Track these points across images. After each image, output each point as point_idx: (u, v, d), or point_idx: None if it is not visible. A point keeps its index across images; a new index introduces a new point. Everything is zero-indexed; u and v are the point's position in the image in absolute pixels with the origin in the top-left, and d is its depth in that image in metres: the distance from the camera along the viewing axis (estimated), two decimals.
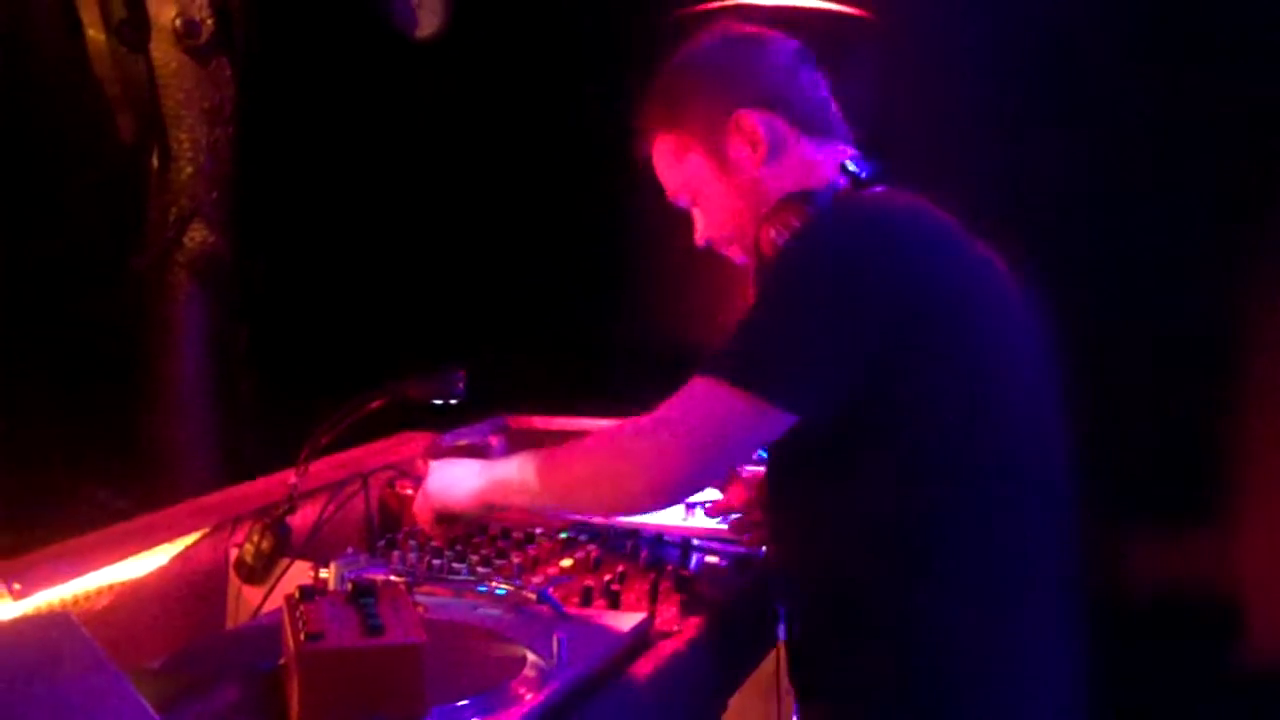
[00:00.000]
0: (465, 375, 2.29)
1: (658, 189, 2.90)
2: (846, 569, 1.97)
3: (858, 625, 1.97)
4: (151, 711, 1.35)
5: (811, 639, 2.07)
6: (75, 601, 1.97)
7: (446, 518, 2.17)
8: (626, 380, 3.36)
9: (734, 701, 2.43)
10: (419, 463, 2.66)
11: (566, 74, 3.75)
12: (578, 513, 2.31)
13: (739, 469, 2.40)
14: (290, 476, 2.20)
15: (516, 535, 2.37)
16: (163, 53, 3.76)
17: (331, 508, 2.26)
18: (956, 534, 1.93)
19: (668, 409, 1.95)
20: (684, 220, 3.33)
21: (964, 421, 1.91)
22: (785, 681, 2.28)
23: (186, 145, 3.82)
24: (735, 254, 2.21)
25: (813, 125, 2.14)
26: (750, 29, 2.23)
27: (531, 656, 1.79)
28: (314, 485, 2.32)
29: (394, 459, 2.63)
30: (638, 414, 3.03)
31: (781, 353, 1.91)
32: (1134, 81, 3.29)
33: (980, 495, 1.93)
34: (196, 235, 3.83)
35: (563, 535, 2.38)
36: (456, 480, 2.15)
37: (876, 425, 1.90)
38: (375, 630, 1.58)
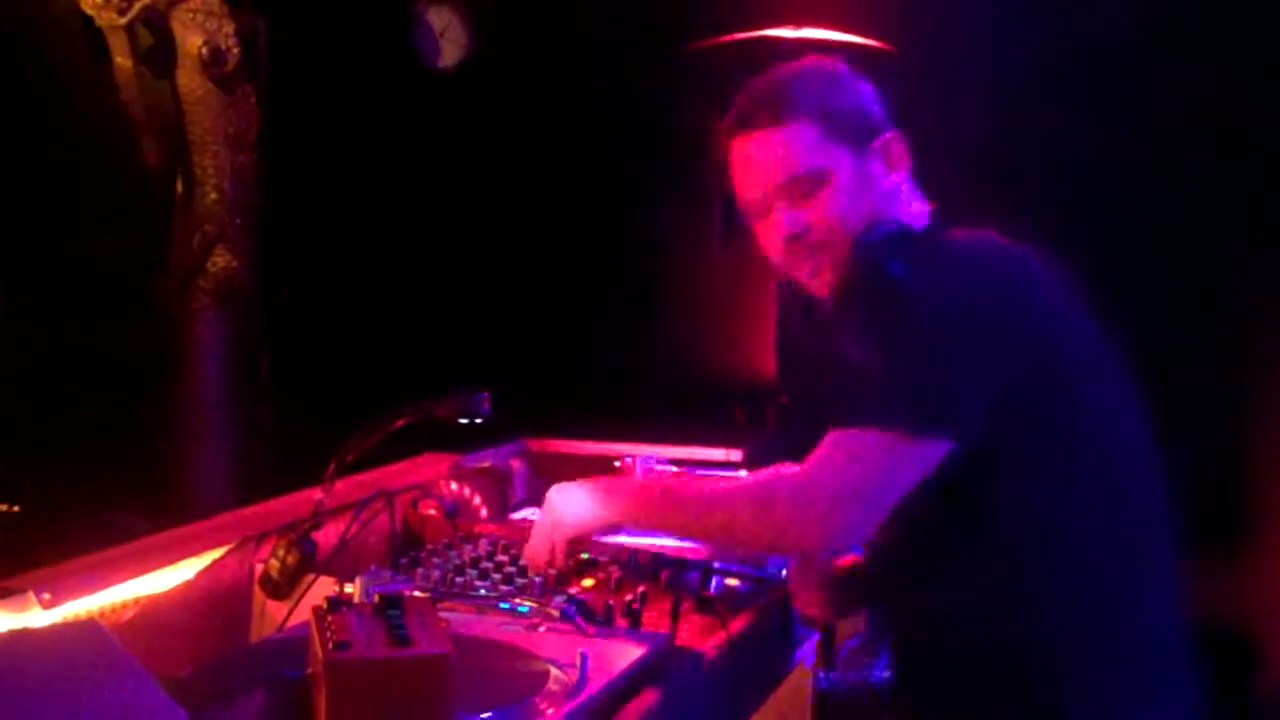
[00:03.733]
0: (490, 396, 2.31)
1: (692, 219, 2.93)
2: (967, 605, 2.03)
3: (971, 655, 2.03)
4: (184, 714, 1.36)
5: (924, 674, 2.13)
6: (102, 613, 1.98)
7: (574, 547, 2.18)
8: (648, 405, 3.39)
9: None
10: (442, 483, 2.69)
11: (591, 103, 3.77)
12: (728, 548, 2.31)
13: None
14: (315, 493, 2.22)
15: None
16: (188, 80, 3.80)
17: (356, 525, 2.27)
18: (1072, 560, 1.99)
19: (822, 461, 1.96)
20: (707, 247, 3.36)
21: (1082, 449, 2.00)
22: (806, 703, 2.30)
23: (211, 171, 3.85)
24: (816, 261, 2.18)
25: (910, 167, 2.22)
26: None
27: (555, 671, 1.81)
28: (337, 504, 2.33)
29: (417, 480, 2.64)
30: (656, 438, 3.07)
31: (935, 382, 1.93)
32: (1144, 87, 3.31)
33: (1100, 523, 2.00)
34: (220, 261, 3.86)
35: (583, 556, 2.39)
36: (586, 502, 2.14)
37: (1002, 456, 1.95)
38: (402, 641, 1.59)
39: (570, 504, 2.15)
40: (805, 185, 2.15)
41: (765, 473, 2.05)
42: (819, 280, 2.18)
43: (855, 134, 2.16)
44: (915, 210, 2.19)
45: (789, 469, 2.03)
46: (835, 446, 1.94)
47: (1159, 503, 2.09)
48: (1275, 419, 3.44)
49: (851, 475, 1.91)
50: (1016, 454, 1.96)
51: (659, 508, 2.10)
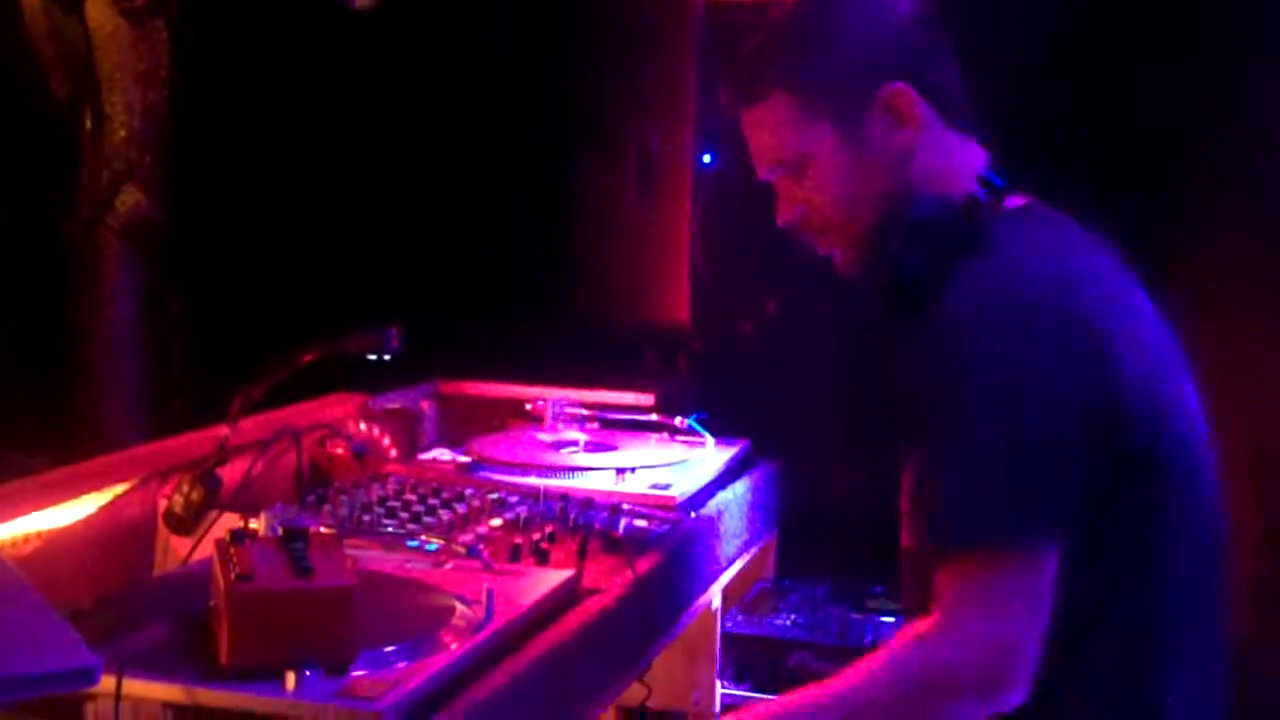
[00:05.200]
0: (399, 331, 2.30)
1: (607, 165, 2.91)
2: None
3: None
4: (83, 642, 1.35)
5: None
6: (1, 547, 1.96)
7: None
8: (560, 348, 3.39)
9: (658, 662, 2.46)
10: (350, 423, 2.68)
11: (509, 40, 3.74)
12: None
13: None
14: (222, 430, 2.20)
15: (446, 494, 2.38)
16: (98, 14, 3.74)
17: (262, 462, 2.26)
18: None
19: (945, 609, 1.75)
20: (622, 194, 3.37)
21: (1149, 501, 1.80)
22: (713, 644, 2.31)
23: (120, 108, 3.80)
24: (827, 243, 1.98)
25: (952, 112, 1.90)
26: None
27: (460, 607, 1.81)
28: (244, 442, 2.31)
29: (325, 419, 2.63)
30: (568, 382, 3.07)
31: (1014, 489, 1.72)
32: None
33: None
34: (129, 199, 3.82)
35: (492, 496, 2.39)
36: None
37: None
38: (306, 573, 1.59)
39: None
40: (790, 169, 1.93)
41: (893, 663, 1.78)
42: (839, 261, 1.98)
43: (841, 97, 1.87)
44: (955, 166, 1.91)
45: (911, 642, 1.77)
46: (951, 581, 1.73)
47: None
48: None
49: (982, 614, 1.72)
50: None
51: None
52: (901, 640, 1.81)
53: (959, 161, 1.90)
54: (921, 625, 1.79)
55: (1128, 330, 1.82)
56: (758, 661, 2.74)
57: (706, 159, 3.41)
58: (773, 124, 1.92)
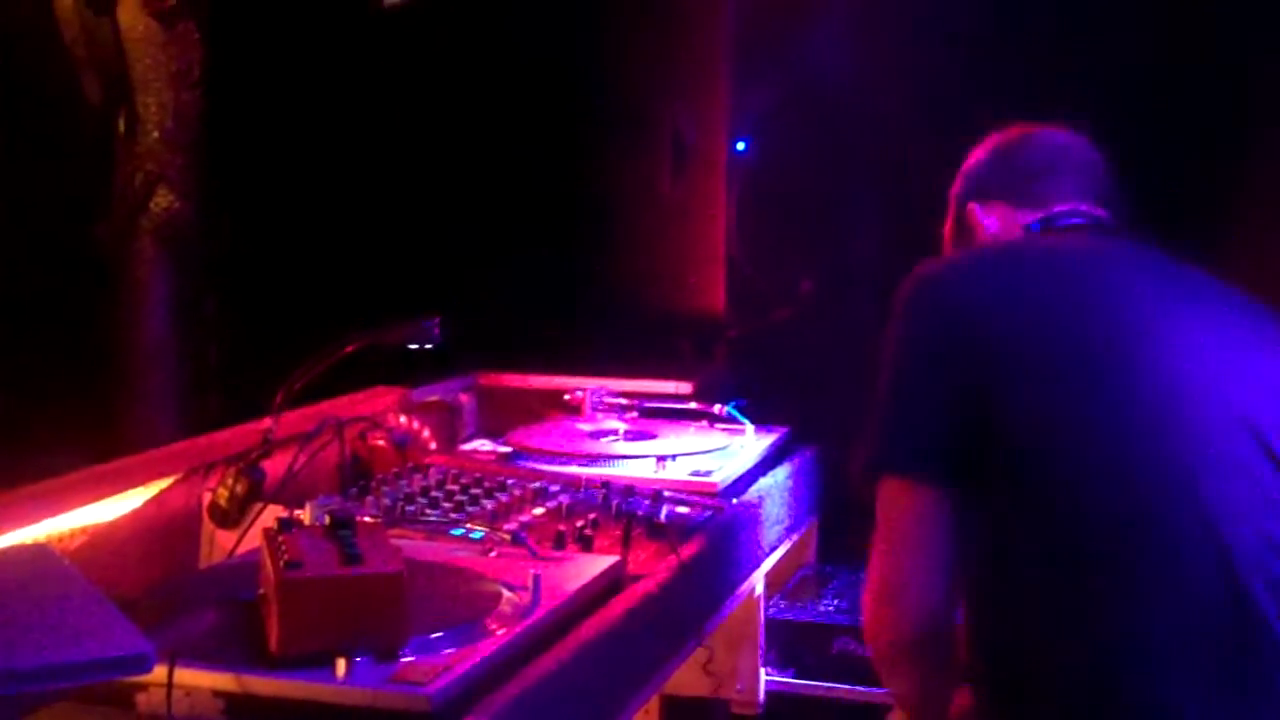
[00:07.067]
0: (440, 321, 2.30)
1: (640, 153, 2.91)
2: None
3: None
4: (137, 629, 1.36)
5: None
6: (49, 541, 1.97)
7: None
8: (597, 339, 3.39)
9: (701, 650, 2.46)
10: (391, 415, 2.68)
11: (541, 31, 3.74)
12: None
13: None
14: (264, 424, 2.21)
15: (488, 484, 2.38)
16: (130, 16, 3.75)
17: (305, 454, 2.26)
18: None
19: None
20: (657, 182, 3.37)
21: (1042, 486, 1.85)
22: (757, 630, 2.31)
23: (153, 109, 3.81)
24: None
25: (1016, 198, 2.30)
26: (1016, 134, 2.37)
27: (507, 593, 1.81)
28: (286, 435, 2.32)
29: (366, 412, 2.63)
30: (606, 372, 3.08)
31: (896, 428, 1.93)
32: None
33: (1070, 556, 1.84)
34: (162, 200, 3.82)
35: (533, 485, 2.39)
36: None
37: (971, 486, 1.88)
38: (354, 560, 1.59)
39: None
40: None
41: None
42: None
43: (961, 208, 2.37)
44: (1008, 229, 2.29)
45: None
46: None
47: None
48: None
49: (885, 533, 1.90)
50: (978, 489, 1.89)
51: None
52: None
53: (1010, 226, 2.29)
54: None
55: (1029, 332, 1.95)
56: (801, 648, 2.73)
57: (740, 146, 3.41)
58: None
